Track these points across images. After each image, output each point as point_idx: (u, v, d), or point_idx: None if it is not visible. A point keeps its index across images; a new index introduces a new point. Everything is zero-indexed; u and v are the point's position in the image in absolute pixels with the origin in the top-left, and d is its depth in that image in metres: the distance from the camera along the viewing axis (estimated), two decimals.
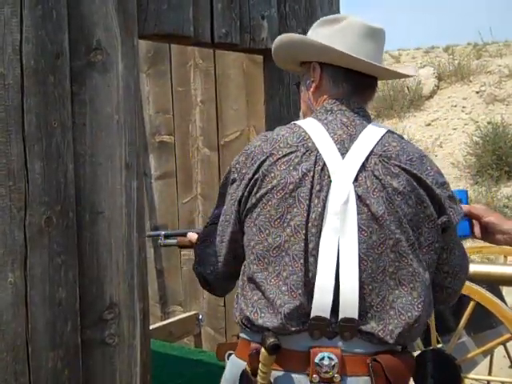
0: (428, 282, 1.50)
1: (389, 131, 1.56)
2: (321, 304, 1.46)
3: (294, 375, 1.48)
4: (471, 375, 3.11)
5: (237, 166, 1.56)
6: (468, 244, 7.68)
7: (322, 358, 1.45)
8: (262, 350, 1.45)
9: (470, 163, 9.19)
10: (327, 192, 1.47)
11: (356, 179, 1.48)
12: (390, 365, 1.46)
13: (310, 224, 1.46)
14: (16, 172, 1.34)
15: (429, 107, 10.75)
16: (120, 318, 1.47)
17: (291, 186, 1.48)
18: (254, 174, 1.52)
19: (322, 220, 1.46)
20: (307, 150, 1.51)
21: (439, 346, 3.10)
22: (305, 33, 2.16)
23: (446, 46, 13.44)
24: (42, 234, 1.37)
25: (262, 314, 1.49)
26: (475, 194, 8.44)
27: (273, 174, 1.50)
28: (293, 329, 1.47)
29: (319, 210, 1.46)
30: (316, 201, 1.47)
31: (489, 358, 3.66)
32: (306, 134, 1.54)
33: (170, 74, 3.03)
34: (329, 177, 1.48)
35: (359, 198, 1.47)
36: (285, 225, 1.48)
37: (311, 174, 1.48)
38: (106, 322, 1.46)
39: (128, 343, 1.49)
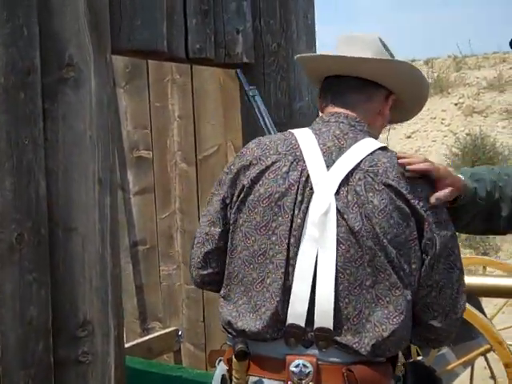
0: (409, 297, 1.48)
1: (383, 147, 1.54)
2: (296, 312, 1.48)
3: (270, 381, 1.49)
4: None
5: (230, 166, 1.60)
6: None
7: (297, 366, 1.47)
8: (233, 356, 1.48)
9: None
10: (308, 203, 1.49)
11: (337, 192, 1.49)
12: (364, 376, 1.47)
13: (291, 234, 1.49)
14: None
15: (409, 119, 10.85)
16: (94, 335, 1.46)
17: (277, 195, 1.51)
18: (239, 176, 1.56)
19: (302, 230, 1.48)
20: (295, 159, 1.53)
21: (419, 358, 3.10)
22: (279, 47, 2.18)
23: (426, 59, 13.60)
24: (13, 251, 1.36)
25: (243, 317, 1.52)
26: None
27: (261, 182, 1.53)
28: (268, 336, 1.49)
29: (299, 220, 1.48)
30: (297, 211, 1.49)
31: (469, 369, 3.68)
32: (297, 142, 1.56)
33: (147, 90, 3.02)
34: (311, 188, 1.50)
35: (338, 211, 1.47)
36: (270, 233, 1.51)
37: (297, 184, 1.50)
38: (80, 340, 1.45)
39: (102, 361, 1.48)
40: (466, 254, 7.57)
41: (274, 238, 1.50)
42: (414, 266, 1.48)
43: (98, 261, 1.48)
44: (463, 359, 3.15)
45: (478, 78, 11.18)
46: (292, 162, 1.54)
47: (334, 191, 1.49)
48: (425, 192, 1.51)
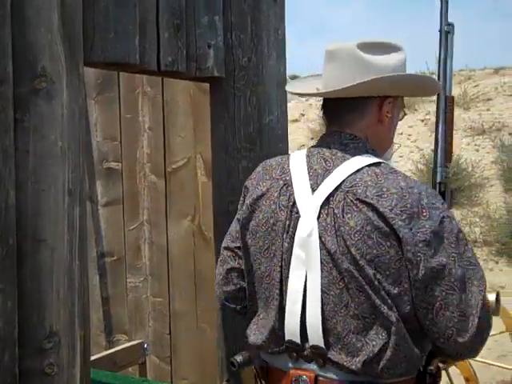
0: (392, 318, 1.46)
1: (371, 164, 1.53)
2: (291, 330, 1.56)
3: None
4: None
5: (243, 188, 1.74)
6: None
7: (297, 380, 1.56)
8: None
9: None
10: (295, 228, 1.55)
11: (319, 216, 1.51)
12: None
13: (282, 257, 1.57)
14: None
15: None
16: (60, 346, 1.45)
17: (272, 221, 1.59)
18: (246, 200, 1.68)
19: (291, 253, 1.55)
20: (285, 184, 1.60)
21: None
22: (249, 61, 2.20)
23: None
24: None
25: (255, 332, 1.65)
26: None
27: (260, 209, 1.62)
28: (270, 350, 1.62)
29: (286, 244, 1.56)
30: (285, 235, 1.56)
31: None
32: (288, 167, 1.62)
33: (118, 101, 3.02)
34: (297, 212, 1.55)
35: (319, 234, 1.51)
36: (271, 255, 1.60)
37: (286, 209, 1.57)
38: (46, 352, 1.44)
39: (67, 372, 1.47)
40: None
41: (275, 260, 1.58)
42: (405, 286, 1.46)
43: (66, 272, 1.47)
44: None
45: None
46: (282, 187, 1.60)
47: (316, 215, 1.52)
48: (410, 210, 1.44)
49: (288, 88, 1.90)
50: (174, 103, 2.83)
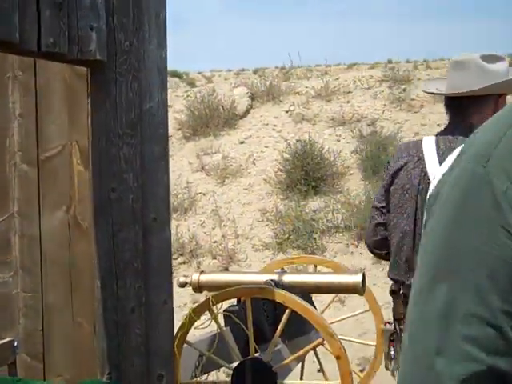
0: None
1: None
2: None
3: None
4: (286, 381, 3.25)
5: (389, 161, 2.55)
6: (279, 257, 8.05)
7: None
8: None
9: (281, 179, 9.64)
10: (426, 190, 2.16)
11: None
12: None
13: (417, 211, 2.30)
14: None
15: (242, 125, 11.11)
16: None
17: (407, 186, 2.30)
18: (389, 171, 2.44)
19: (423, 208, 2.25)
20: (419, 159, 2.29)
21: (257, 354, 3.20)
22: (131, 46, 2.14)
23: (255, 69, 14.12)
24: None
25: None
26: (285, 209, 8.86)
27: (398, 177, 2.34)
28: (409, 282, 2.31)
29: (420, 201, 2.24)
30: (419, 196, 2.26)
31: (300, 364, 3.85)
32: (421, 147, 2.30)
33: None
34: (428, 179, 2.21)
35: None
36: (403, 211, 2.33)
37: (419, 177, 2.25)
38: None
39: None
40: (294, 254, 7.93)
41: (404, 216, 2.28)
42: None
43: None
44: (297, 354, 3.29)
45: (307, 87, 11.75)
46: (416, 162, 2.28)
47: None
48: None
49: (424, 88, 2.63)
50: (47, 89, 2.70)
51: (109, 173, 2.05)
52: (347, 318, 4.45)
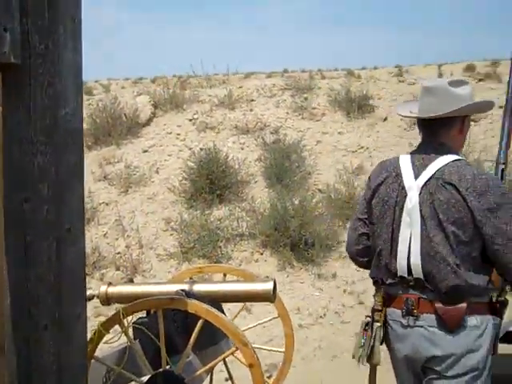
0: (466, 254, 2.51)
1: (454, 160, 2.56)
2: (401, 267, 2.62)
3: (394, 310, 2.67)
4: None
5: (369, 177, 2.86)
6: (184, 266, 7.97)
7: (407, 300, 2.59)
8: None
9: (185, 188, 9.55)
10: (403, 202, 2.60)
11: (419, 193, 2.54)
12: (445, 309, 2.52)
13: (394, 221, 2.63)
14: None
15: (146, 134, 10.94)
16: None
17: (386, 198, 2.65)
18: (371, 186, 2.79)
19: (401, 218, 2.61)
20: (396, 175, 2.64)
21: (168, 367, 3.14)
22: (46, 49, 2.05)
23: (153, 78, 14.08)
24: None
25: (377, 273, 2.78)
26: (190, 218, 8.77)
27: (379, 191, 2.69)
28: (388, 282, 2.69)
29: (397, 212, 2.61)
30: (396, 207, 2.61)
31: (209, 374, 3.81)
32: (398, 164, 2.66)
33: None
34: (405, 192, 2.60)
35: (419, 205, 2.54)
36: (385, 221, 2.67)
37: (397, 191, 2.62)
38: None
39: None
40: (200, 263, 7.87)
41: (384, 225, 2.65)
42: (475, 238, 2.52)
43: None
44: (210, 364, 3.26)
45: (210, 95, 11.74)
46: (394, 177, 2.64)
47: (418, 193, 2.55)
48: (478, 188, 2.44)
49: (399, 111, 2.90)
50: None
51: (22, 183, 1.95)
52: (257, 325, 4.45)
